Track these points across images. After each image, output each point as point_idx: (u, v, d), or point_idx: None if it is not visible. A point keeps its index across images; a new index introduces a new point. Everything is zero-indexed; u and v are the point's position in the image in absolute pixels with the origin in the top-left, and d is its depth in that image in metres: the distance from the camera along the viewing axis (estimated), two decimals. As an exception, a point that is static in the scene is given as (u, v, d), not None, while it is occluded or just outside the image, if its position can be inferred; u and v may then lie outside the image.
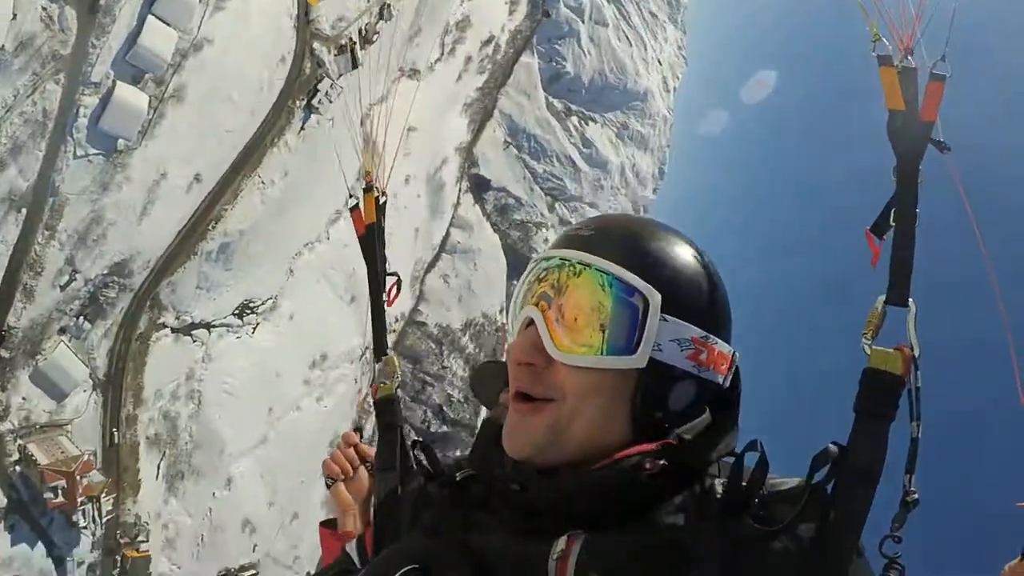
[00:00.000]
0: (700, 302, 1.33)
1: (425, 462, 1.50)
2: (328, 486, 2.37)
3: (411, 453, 1.59)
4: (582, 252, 1.32)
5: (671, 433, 1.28)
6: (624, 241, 1.33)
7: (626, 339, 1.27)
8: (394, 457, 1.84)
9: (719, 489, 1.22)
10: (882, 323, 1.37)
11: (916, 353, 1.32)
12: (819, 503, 1.20)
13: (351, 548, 1.74)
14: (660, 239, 1.35)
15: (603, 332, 1.27)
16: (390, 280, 2.27)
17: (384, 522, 1.62)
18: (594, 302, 1.28)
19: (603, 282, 1.28)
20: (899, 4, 1.58)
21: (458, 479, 1.40)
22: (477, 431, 1.50)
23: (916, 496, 1.27)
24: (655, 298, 1.27)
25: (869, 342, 1.34)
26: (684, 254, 1.35)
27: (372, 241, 2.26)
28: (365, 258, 2.26)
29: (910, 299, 1.38)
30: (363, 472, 2.34)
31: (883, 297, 1.39)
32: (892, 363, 1.29)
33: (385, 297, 2.26)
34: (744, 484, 1.20)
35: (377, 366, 2.19)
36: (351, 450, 2.37)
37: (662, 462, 1.24)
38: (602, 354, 1.27)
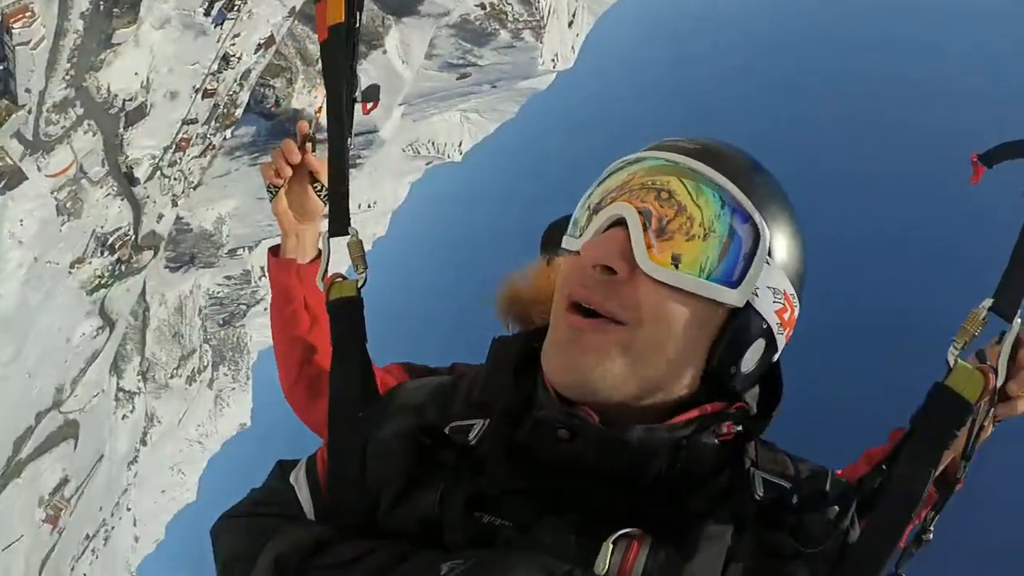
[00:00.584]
0: (796, 255, 1.15)
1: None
2: (270, 197, 2.03)
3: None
4: (694, 160, 1.10)
5: (739, 396, 1.16)
6: (739, 162, 1.13)
7: (731, 269, 1.07)
8: (354, 386, 1.32)
9: (759, 487, 1.10)
10: (980, 333, 1.13)
11: (999, 382, 1.11)
12: (852, 523, 1.09)
13: (297, 479, 1.27)
14: (770, 176, 1.17)
15: (707, 253, 1.06)
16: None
17: (338, 458, 1.24)
18: (704, 218, 1.06)
19: (717, 199, 1.07)
20: None
21: (472, 443, 1.16)
22: (490, 353, 1.26)
23: (931, 537, 1.17)
24: (767, 233, 1.08)
25: (957, 354, 1.11)
26: (788, 200, 1.17)
27: (338, 50, 1.60)
28: (325, 77, 1.60)
29: (1018, 315, 1.13)
30: (307, 190, 2.03)
31: (989, 301, 1.14)
32: (972, 387, 1.08)
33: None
34: (795, 500, 1.08)
35: (328, 245, 1.55)
36: (297, 154, 1.98)
37: (739, 428, 1.13)
38: (703, 277, 1.06)
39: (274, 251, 2.12)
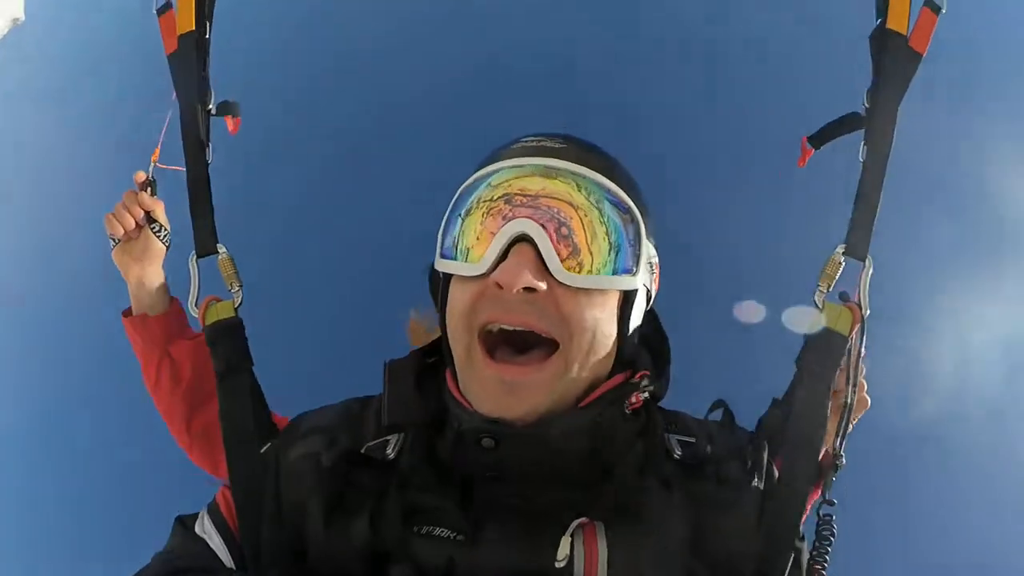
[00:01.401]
0: (653, 225, 1.23)
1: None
2: (112, 246, 1.96)
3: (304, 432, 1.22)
4: (568, 162, 1.13)
5: (637, 365, 1.21)
6: (602, 157, 1.19)
7: (626, 259, 1.14)
8: (247, 417, 1.27)
9: (676, 447, 1.17)
10: (837, 275, 1.29)
11: (866, 314, 1.26)
12: (766, 463, 1.17)
13: (204, 529, 1.19)
14: (620, 163, 1.23)
15: (608, 250, 1.12)
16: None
17: (246, 501, 1.18)
18: (598, 217, 1.11)
19: (601, 196, 1.13)
20: None
21: (391, 456, 1.15)
22: (386, 376, 1.22)
23: (844, 461, 1.26)
24: (640, 219, 1.17)
25: (824, 296, 1.28)
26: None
27: (188, 62, 1.49)
28: (177, 90, 1.52)
29: (868, 255, 1.28)
30: (148, 234, 1.94)
31: (842, 247, 1.29)
32: (843, 323, 1.24)
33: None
34: (708, 449, 1.16)
35: (197, 267, 1.43)
36: (140, 209, 1.92)
37: (645, 395, 1.18)
38: (612, 273, 1.12)
39: (126, 312, 2.04)
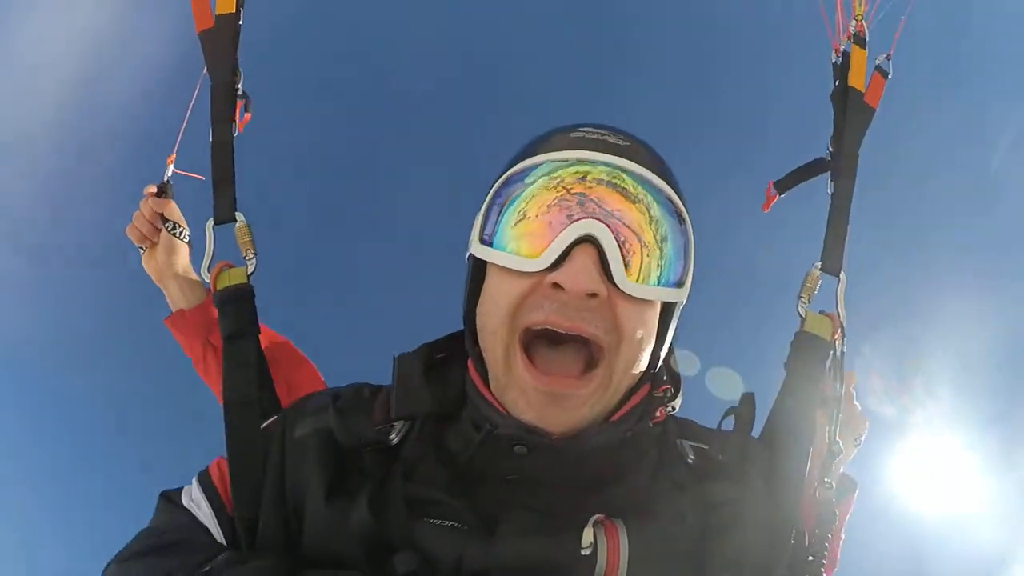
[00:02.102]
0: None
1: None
2: (142, 253, 2.09)
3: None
4: (634, 164, 1.11)
5: (659, 375, 1.25)
6: (660, 161, 1.19)
7: (678, 271, 1.15)
8: (250, 386, 1.26)
9: (690, 454, 1.20)
10: (816, 288, 1.43)
11: (844, 323, 1.39)
12: (767, 462, 1.20)
13: (192, 499, 1.18)
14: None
15: (663, 261, 1.12)
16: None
17: (243, 473, 1.16)
18: (659, 226, 1.11)
19: (663, 204, 1.12)
20: None
21: (394, 441, 1.14)
22: (395, 370, 1.22)
23: (840, 447, 1.33)
24: (690, 230, 1.17)
25: (806, 306, 1.41)
26: None
27: (225, 42, 1.55)
28: (211, 65, 1.56)
29: (842, 271, 1.43)
30: (166, 235, 2.03)
31: (819, 264, 1.45)
32: (824, 329, 1.36)
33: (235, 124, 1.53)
34: (720, 456, 1.18)
35: (213, 233, 1.44)
36: (158, 218, 2.02)
37: (669, 409, 1.23)
38: (668, 286, 1.12)
39: (168, 316, 2.12)
